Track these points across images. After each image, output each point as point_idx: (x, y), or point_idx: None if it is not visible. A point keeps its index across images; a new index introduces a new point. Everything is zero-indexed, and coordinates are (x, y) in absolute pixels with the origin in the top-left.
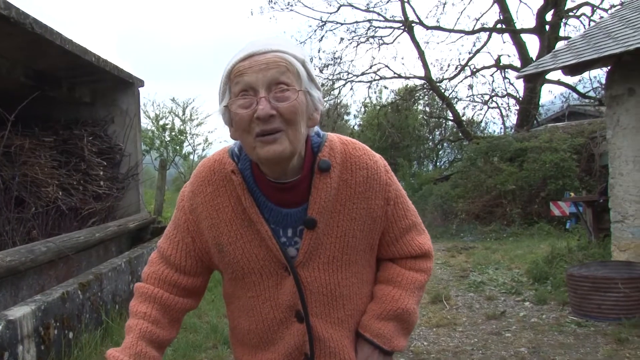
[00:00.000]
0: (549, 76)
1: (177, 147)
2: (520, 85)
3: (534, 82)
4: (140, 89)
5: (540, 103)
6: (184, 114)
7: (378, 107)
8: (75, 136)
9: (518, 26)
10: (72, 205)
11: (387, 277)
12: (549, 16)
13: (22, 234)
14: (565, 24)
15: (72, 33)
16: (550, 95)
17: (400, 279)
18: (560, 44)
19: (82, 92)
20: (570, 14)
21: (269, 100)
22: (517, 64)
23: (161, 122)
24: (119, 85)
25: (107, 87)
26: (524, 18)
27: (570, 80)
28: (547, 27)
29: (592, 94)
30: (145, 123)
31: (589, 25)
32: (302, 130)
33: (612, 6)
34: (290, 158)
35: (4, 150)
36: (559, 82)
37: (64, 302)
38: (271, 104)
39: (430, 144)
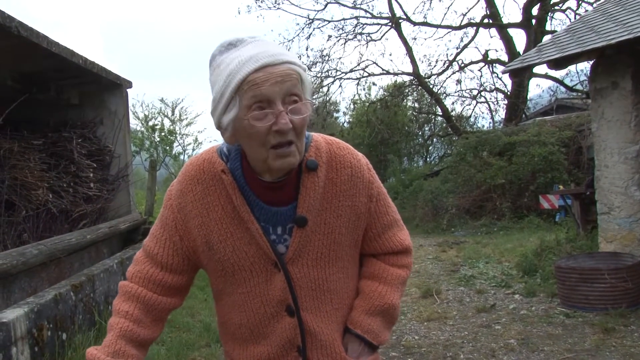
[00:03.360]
0: (536, 70)
1: (167, 148)
2: (508, 79)
3: (521, 76)
4: (128, 90)
5: (528, 97)
6: (173, 114)
7: (367, 104)
8: (64, 138)
9: (505, 21)
10: (63, 207)
11: (372, 272)
12: (535, 10)
13: (13, 237)
14: (552, 17)
15: (59, 35)
16: (538, 89)
17: (386, 275)
18: (546, 38)
19: (70, 94)
20: (556, 7)
21: (287, 113)
22: (505, 58)
23: (150, 123)
24: (107, 87)
25: (95, 89)
26: (511, 12)
27: (558, 73)
28: (534, 21)
29: (579, 87)
30: (135, 124)
31: (575, 18)
32: (304, 139)
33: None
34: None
35: None
36: (546, 76)
37: (57, 304)
38: (289, 117)
39: (420, 139)
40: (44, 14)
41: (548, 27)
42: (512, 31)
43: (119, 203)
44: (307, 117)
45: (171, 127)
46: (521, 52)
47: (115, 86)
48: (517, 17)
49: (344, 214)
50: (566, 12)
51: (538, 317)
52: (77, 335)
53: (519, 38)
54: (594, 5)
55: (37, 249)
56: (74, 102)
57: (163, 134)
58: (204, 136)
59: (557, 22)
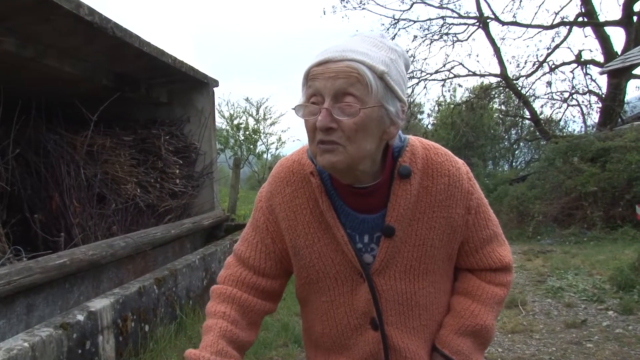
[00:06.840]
0: (636, 71)
1: (251, 146)
2: (603, 81)
3: (620, 77)
4: (215, 88)
5: (625, 100)
6: (257, 113)
7: (452, 106)
8: (152, 135)
9: (602, 19)
10: (150, 202)
11: (466, 289)
12: (637, 6)
13: (103, 229)
14: None
15: (149, 35)
16: (637, 92)
17: (480, 292)
18: None
19: (159, 92)
20: None
21: (332, 111)
22: (600, 59)
23: (235, 122)
24: (194, 86)
25: (183, 88)
26: (608, 10)
27: None
28: (635, 18)
29: None
30: (220, 122)
31: None
32: (367, 146)
33: None
34: (349, 169)
35: (87, 149)
36: None
37: (141, 296)
38: (332, 116)
39: (506, 143)
40: (134, 14)
41: None
42: (609, 30)
43: (203, 199)
44: (360, 121)
45: (255, 126)
46: (619, 52)
47: (203, 85)
48: (616, 15)
49: (438, 226)
50: None
51: (637, 338)
52: (159, 327)
53: (618, 37)
54: None
55: (124, 241)
56: (163, 100)
57: (247, 132)
58: (287, 135)
59: None
